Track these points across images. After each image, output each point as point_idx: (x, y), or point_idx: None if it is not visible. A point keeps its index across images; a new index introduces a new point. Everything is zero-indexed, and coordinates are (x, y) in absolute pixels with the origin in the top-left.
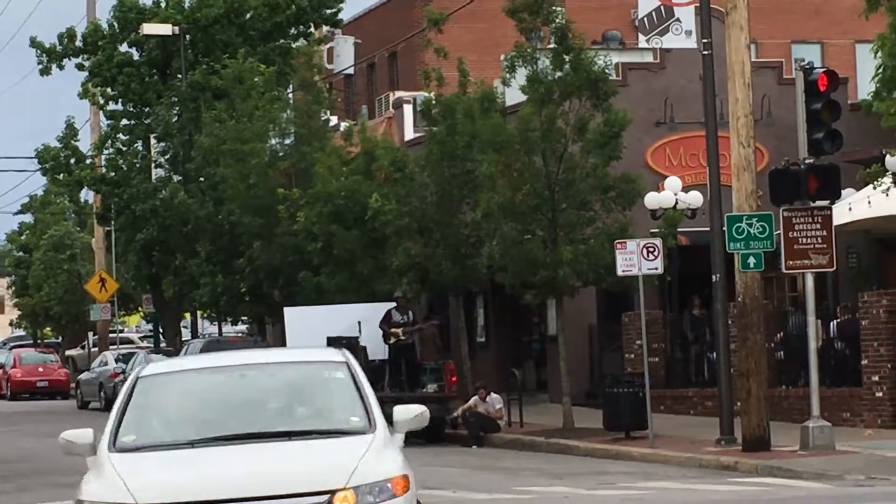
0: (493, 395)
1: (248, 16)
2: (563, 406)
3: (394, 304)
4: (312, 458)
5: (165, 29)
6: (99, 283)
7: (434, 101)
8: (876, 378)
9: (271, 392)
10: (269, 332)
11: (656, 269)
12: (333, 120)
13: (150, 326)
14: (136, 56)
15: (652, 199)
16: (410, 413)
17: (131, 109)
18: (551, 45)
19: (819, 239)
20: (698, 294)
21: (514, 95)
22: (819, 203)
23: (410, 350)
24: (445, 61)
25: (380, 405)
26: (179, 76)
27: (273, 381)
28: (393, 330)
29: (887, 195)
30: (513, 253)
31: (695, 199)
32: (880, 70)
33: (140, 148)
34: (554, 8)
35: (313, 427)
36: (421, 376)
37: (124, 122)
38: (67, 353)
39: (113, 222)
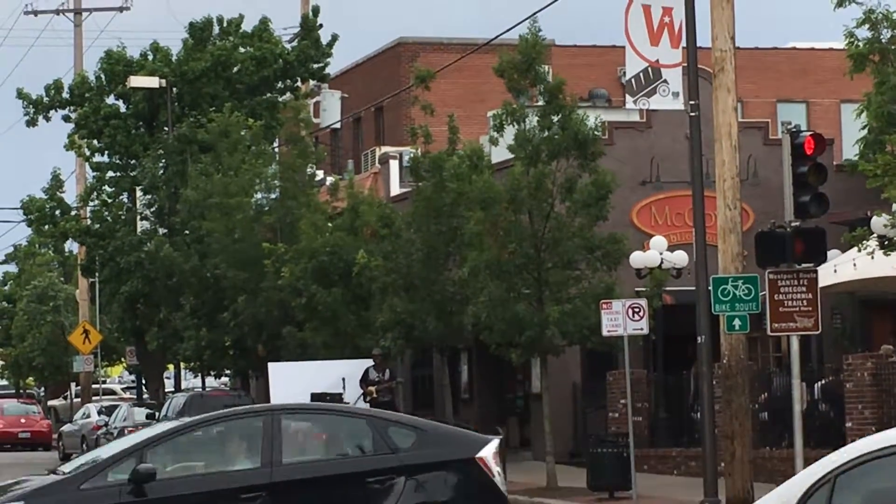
0: None
1: (236, 69)
2: (547, 465)
3: (372, 362)
4: None
5: (152, 82)
6: (82, 334)
7: (421, 158)
8: None
9: None
10: (252, 386)
11: (642, 329)
12: (319, 174)
13: (132, 377)
14: (122, 108)
15: (637, 259)
16: None
17: (117, 161)
18: (539, 103)
19: (804, 302)
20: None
21: (500, 152)
22: (805, 265)
23: (389, 407)
24: (432, 117)
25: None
26: (166, 129)
27: None
28: (368, 388)
29: (872, 258)
30: (498, 312)
31: (680, 258)
32: (865, 130)
33: (126, 200)
34: (543, 67)
35: None
36: None
37: (110, 174)
38: (50, 403)
39: (97, 274)
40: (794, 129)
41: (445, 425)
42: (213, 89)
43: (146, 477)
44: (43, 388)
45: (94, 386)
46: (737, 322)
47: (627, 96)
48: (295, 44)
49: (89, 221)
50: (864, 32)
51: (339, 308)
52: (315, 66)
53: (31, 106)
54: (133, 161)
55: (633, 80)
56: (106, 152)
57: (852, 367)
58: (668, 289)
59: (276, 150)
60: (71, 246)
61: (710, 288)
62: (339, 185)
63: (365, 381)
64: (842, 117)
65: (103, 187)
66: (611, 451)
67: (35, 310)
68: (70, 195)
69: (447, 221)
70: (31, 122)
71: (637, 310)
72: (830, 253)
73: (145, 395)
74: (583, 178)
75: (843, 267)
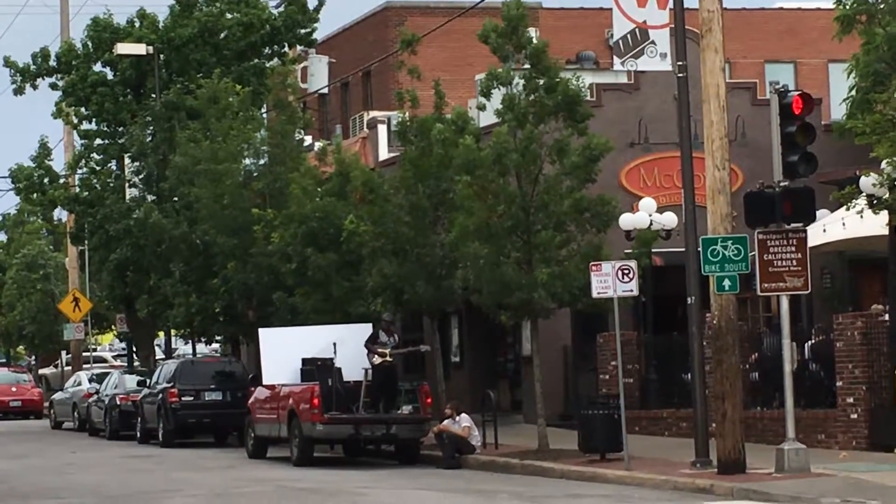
0: (463, 414)
1: (223, 35)
2: (539, 428)
3: (371, 325)
4: None
5: (139, 49)
6: (72, 302)
7: (409, 122)
8: (850, 400)
9: None
10: (243, 352)
11: (631, 290)
12: (308, 140)
13: (123, 345)
14: (110, 75)
15: (626, 220)
16: None
17: (105, 129)
18: (526, 66)
19: (794, 261)
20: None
21: (487, 116)
22: (794, 225)
23: (393, 372)
24: (419, 81)
25: (356, 427)
26: (153, 96)
27: None
28: (380, 350)
29: (861, 217)
30: (488, 275)
31: (669, 220)
32: (853, 91)
33: (114, 167)
34: (527, 31)
35: None
36: (396, 398)
37: (98, 141)
38: (41, 372)
39: (87, 242)
40: (782, 90)
41: None
42: (200, 55)
43: None
44: (34, 357)
45: (84, 354)
46: (726, 282)
47: (615, 58)
48: (282, 9)
49: (78, 189)
50: None
51: (329, 273)
52: (302, 31)
53: (18, 74)
54: (121, 128)
55: (620, 41)
56: (94, 120)
57: (842, 327)
58: (657, 250)
59: (265, 115)
60: (60, 214)
61: (700, 249)
62: (327, 151)
63: (373, 342)
64: (829, 77)
65: (91, 155)
66: (602, 412)
67: (25, 278)
68: (58, 163)
69: (435, 185)
70: (19, 91)
71: (627, 271)
72: (819, 212)
73: (136, 363)
74: (573, 141)
75: (832, 226)
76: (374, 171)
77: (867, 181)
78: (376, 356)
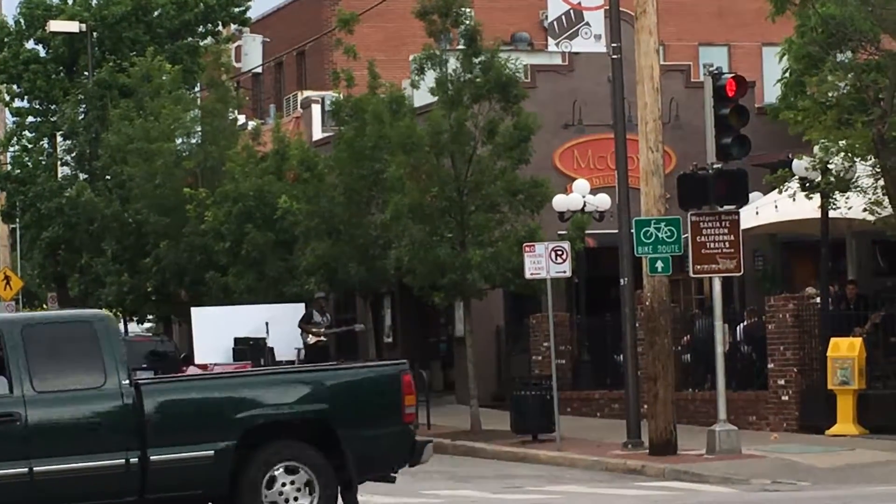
0: None
1: (156, 13)
2: (471, 408)
3: (304, 304)
4: None
5: (72, 26)
6: (3, 280)
7: (343, 102)
8: (782, 382)
9: None
10: (175, 331)
11: (564, 272)
12: (241, 119)
13: None
14: (42, 53)
15: (560, 202)
16: None
17: (37, 107)
18: (460, 47)
19: (726, 243)
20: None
21: (422, 96)
22: (727, 207)
23: (325, 352)
24: (354, 61)
25: None
26: (86, 73)
27: None
28: (314, 330)
29: (794, 199)
30: (421, 255)
31: (603, 201)
32: (787, 74)
33: (46, 146)
34: (463, 10)
35: None
36: None
37: (30, 119)
38: None
39: (18, 220)
40: (715, 72)
41: None
42: (133, 33)
43: None
44: None
45: None
46: (659, 264)
47: (550, 39)
48: None
49: (9, 167)
50: None
51: (265, 251)
52: (236, 9)
53: None
54: (53, 106)
55: (555, 22)
56: (25, 97)
57: (774, 309)
58: (591, 231)
59: (198, 94)
60: None
61: (633, 230)
62: (262, 130)
63: (307, 322)
64: (763, 60)
65: (23, 132)
66: (534, 393)
67: None
68: None
69: (369, 165)
70: None
71: (560, 252)
72: (752, 195)
73: None
74: (505, 122)
75: (764, 209)
76: (310, 149)
77: (800, 164)
78: (310, 336)
